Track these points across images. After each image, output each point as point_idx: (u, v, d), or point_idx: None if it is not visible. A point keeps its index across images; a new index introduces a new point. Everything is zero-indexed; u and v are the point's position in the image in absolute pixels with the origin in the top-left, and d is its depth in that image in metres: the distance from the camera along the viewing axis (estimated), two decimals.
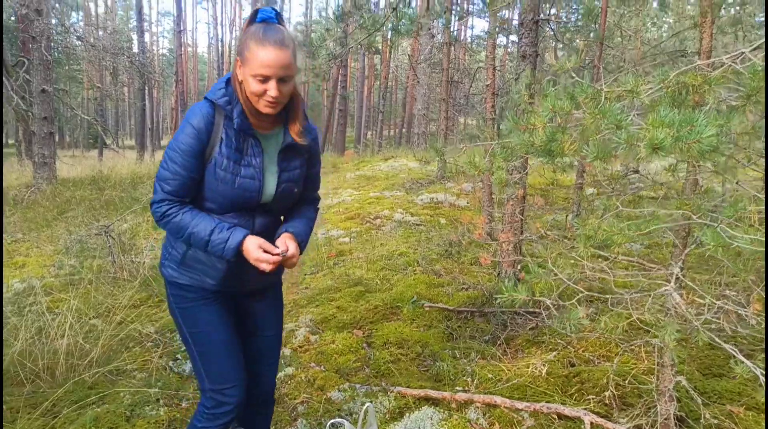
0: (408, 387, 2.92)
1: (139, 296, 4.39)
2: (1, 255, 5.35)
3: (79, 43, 12.25)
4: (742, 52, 1.53)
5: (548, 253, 1.75)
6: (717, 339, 1.56)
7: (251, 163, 1.68)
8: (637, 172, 1.89)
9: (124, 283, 4.67)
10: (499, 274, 4.28)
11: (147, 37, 33.99)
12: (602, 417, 2.54)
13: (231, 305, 1.86)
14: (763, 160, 1.67)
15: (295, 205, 1.90)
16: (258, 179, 1.69)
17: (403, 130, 31.22)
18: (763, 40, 1.57)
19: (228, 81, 1.68)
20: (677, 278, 1.64)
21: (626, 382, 2.81)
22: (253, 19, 1.62)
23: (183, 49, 28.07)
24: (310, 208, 1.96)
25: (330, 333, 3.69)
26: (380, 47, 26.22)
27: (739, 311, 1.59)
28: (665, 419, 2.23)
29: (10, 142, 32.73)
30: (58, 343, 3.26)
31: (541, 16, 3.39)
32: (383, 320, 3.91)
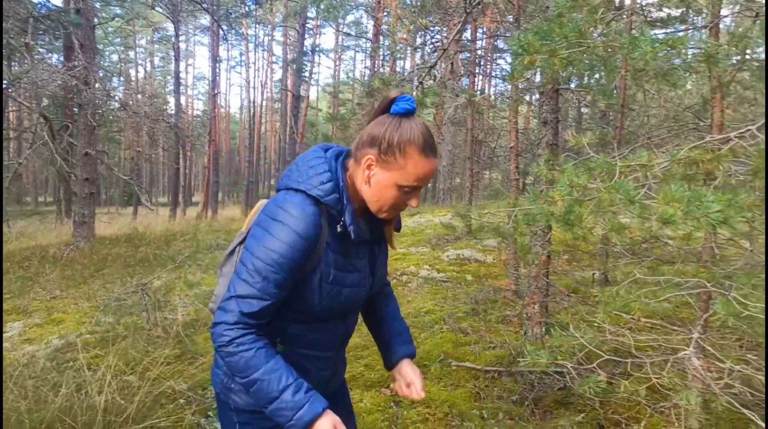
0: None
1: (172, 353, 4.51)
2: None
3: (121, 108, 12.99)
4: (749, 129, 1.64)
5: (570, 317, 1.82)
6: (736, 404, 1.58)
7: (356, 266, 1.39)
8: (656, 238, 1.98)
9: (158, 340, 4.80)
10: (525, 333, 4.29)
11: (183, 99, 35.80)
12: None
13: None
14: None
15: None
16: (364, 286, 1.42)
17: (428, 185, 31.57)
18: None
19: (329, 170, 1.30)
20: (697, 342, 1.69)
21: None
22: (389, 106, 1.28)
23: (216, 110, 29.39)
24: (392, 296, 1.69)
25: (358, 391, 3.72)
26: None
27: (758, 376, 1.62)
28: None
29: (49, 199, 34.23)
30: (96, 400, 3.37)
31: (561, 85, 3.58)
32: None
